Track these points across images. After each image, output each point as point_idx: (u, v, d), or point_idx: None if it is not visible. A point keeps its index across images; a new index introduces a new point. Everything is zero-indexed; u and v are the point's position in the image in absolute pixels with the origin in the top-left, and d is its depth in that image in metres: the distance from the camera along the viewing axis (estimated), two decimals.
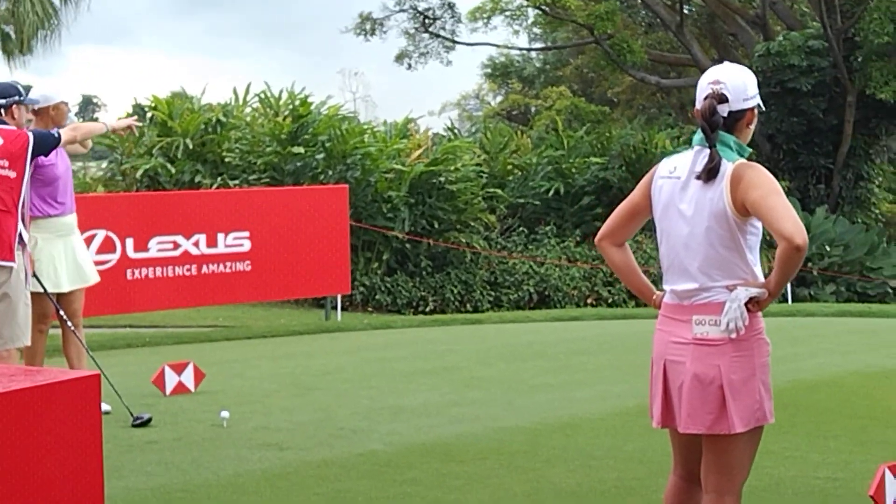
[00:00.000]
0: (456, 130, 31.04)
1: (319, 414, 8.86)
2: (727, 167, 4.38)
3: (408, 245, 23.84)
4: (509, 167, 28.13)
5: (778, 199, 4.28)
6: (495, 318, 17.54)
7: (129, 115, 28.66)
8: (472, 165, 25.64)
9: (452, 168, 24.66)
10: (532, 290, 24.85)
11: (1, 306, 7.58)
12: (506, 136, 29.30)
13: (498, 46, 43.71)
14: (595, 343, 13.03)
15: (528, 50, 46.17)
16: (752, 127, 4.55)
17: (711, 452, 4.49)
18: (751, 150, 4.54)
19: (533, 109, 44.80)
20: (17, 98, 7.83)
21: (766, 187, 4.31)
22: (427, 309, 23.54)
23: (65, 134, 8.13)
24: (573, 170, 27.75)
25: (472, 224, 25.36)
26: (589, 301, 25.03)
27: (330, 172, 23.11)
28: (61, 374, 2.80)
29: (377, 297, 23.26)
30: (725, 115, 4.45)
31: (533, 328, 15.57)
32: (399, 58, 41.22)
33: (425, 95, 76.38)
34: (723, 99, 4.44)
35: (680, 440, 4.65)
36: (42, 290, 8.53)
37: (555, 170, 27.77)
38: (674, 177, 4.53)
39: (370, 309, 22.97)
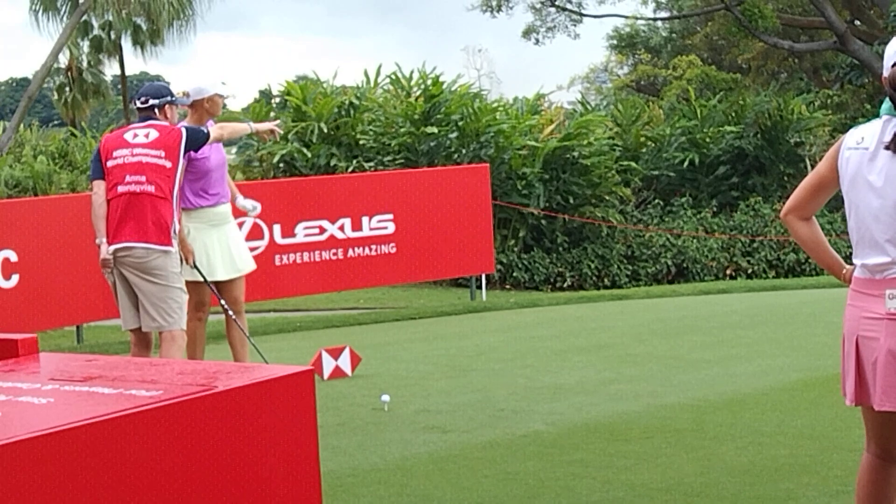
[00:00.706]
0: (587, 104, 30.78)
1: (478, 395, 8.87)
2: None
3: (543, 221, 23.74)
4: (642, 139, 27.83)
5: None
6: (641, 293, 17.37)
7: (257, 102, 29.09)
8: (605, 139, 25.42)
9: (585, 142, 24.48)
10: (670, 262, 24.60)
11: (156, 289, 7.89)
12: (637, 108, 28.96)
13: (626, 17, 43.23)
14: (747, 316, 12.79)
15: (655, 20, 45.58)
16: None
17: None
18: None
19: (661, 79, 44.17)
20: (169, 99, 8.32)
21: None
22: (565, 285, 23.45)
23: (213, 132, 8.46)
24: (707, 139, 27.35)
25: (607, 198, 25.15)
26: (728, 272, 24.70)
27: (464, 151, 23.11)
28: (278, 371, 2.83)
29: (514, 273, 23.22)
30: None
31: (680, 303, 15.38)
32: (526, 33, 40.93)
33: (548, 70, 76.02)
34: None
35: (875, 418, 4.52)
36: (201, 279, 8.70)
37: (688, 140, 27.40)
38: (861, 147, 4.40)
39: (508, 286, 22.94)
